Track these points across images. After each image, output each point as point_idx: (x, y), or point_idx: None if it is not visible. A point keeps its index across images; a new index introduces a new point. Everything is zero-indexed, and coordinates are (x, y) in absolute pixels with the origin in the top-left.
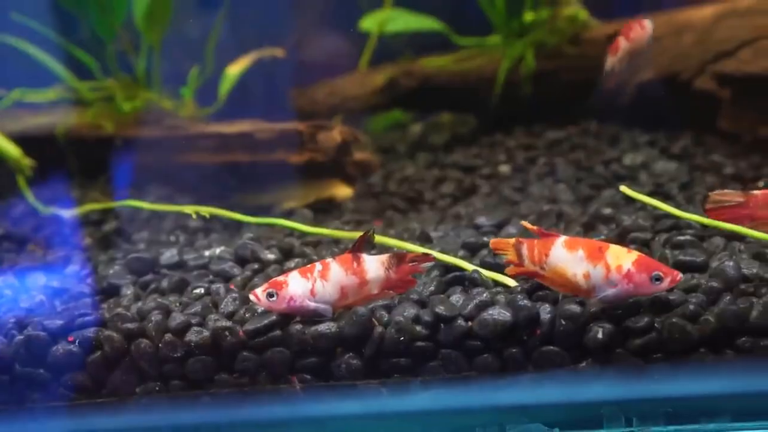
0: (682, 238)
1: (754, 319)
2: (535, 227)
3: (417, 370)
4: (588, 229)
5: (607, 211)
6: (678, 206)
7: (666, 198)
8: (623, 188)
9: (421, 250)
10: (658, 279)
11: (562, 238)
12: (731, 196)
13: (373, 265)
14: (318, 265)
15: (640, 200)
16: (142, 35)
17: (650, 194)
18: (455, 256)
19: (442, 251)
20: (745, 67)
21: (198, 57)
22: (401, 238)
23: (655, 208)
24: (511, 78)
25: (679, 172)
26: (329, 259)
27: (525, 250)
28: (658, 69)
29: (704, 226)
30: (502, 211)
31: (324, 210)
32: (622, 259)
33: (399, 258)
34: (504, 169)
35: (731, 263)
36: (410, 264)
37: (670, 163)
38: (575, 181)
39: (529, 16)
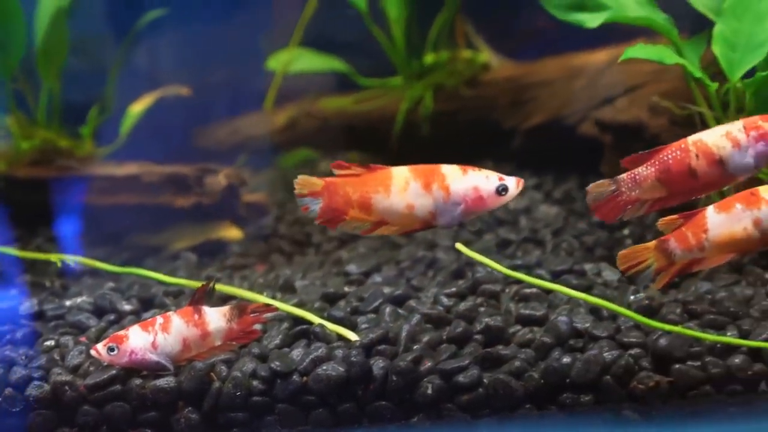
0: (528, 290)
1: (574, 376)
2: (676, 216)
3: (254, 425)
4: (456, 277)
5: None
6: (543, 254)
7: (538, 244)
8: (459, 245)
9: (265, 300)
10: None
11: (711, 208)
12: (603, 185)
13: (215, 317)
14: (159, 318)
15: (473, 258)
16: (40, 73)
17: (525, 240)
18: (313, 306)
19: (301, 302)
20: (620, 115)
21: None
22: (270, 286)
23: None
24: (411, 119)
25: (557, 217)
26: (171, 312)
27: (674, 244)
28: (548, 113)
29: (554, 276)
30: (379, 257)
31: (211, 253)
32: None
33: (241, 309)
34: None
35: (565, 318)
36: (252, 315)
37: (552, 208)
38: (458, 225)
39: (429, 58)
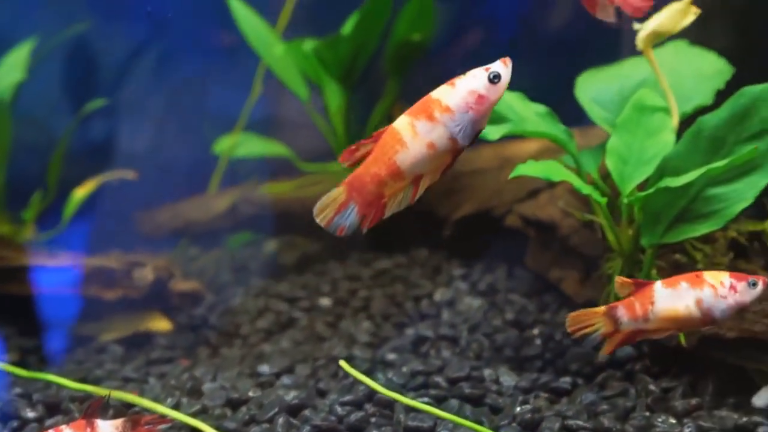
0: (421, 399)
1: None
2: (630, 279)
3: None
4: (368, 373)
5: (391, 356)
6: (454, 353)
7: (452, 342)
8: (342, 363)
9: (162, 410)
10: (755, 284)
11: (659, 282)
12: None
13: (108, 430)
14: None
15: (354, 376)
16: None
17: (440, 338)
18: (214, 412)
19: (204, 408)
20: (539, 212)
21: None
22: (179, 388)
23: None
24: None
25: (478, 311)
26: (63, 426)
27: (622, 311)
28: (477, 203)
29: (450, 384)
30: (296, 354)
31: (138, 345)
32: (720, 276)
33: (134, 422)
34: (324, 301)
35: None
36: (145, 427)
37: (475, 300)
38: (383, 318)
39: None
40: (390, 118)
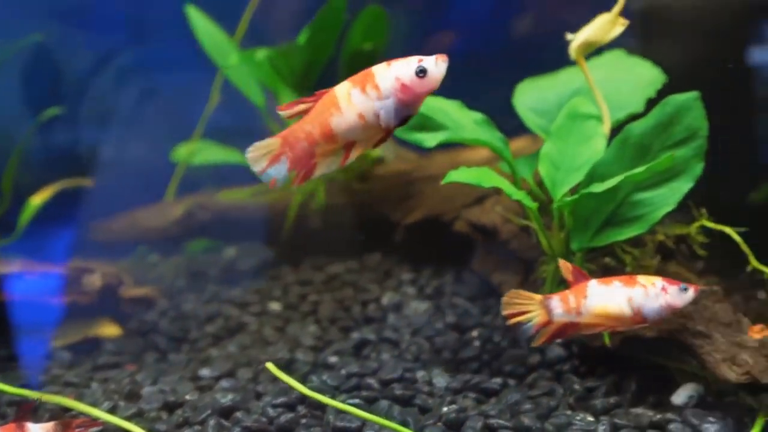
0: (352, 401)
1: None
2: (570, 265)
3: None
4: (303, 381)
5: (333, 359)
6: (392, 356)
7: (393, 345)
8: (269, 365)
9: (97, 413)
10: (685, 289)
11: (594, 280)
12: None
13: None
14: None
15: (281, 379)
16: None
17: (382, 340)
18: (150, 415)
19: (140, 411)
20: (483, 217)
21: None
22: (118, 392)
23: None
24: (304, 212)
25: (423, 314)
26: None
27: (557, 302)
28: (428, 208)
29: (383, 386)
30: (241, 358)
31: (87, 351)
32: (653, 278)
33: (65, 425)
34: (275, 306)
35: None
36: (76, 430)
37: (422, 304)
38: (330, 322)
39: None
40: None
